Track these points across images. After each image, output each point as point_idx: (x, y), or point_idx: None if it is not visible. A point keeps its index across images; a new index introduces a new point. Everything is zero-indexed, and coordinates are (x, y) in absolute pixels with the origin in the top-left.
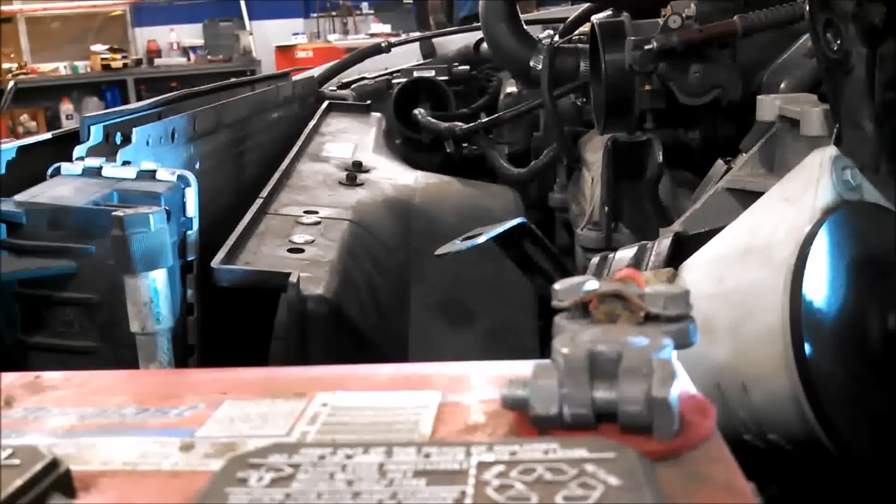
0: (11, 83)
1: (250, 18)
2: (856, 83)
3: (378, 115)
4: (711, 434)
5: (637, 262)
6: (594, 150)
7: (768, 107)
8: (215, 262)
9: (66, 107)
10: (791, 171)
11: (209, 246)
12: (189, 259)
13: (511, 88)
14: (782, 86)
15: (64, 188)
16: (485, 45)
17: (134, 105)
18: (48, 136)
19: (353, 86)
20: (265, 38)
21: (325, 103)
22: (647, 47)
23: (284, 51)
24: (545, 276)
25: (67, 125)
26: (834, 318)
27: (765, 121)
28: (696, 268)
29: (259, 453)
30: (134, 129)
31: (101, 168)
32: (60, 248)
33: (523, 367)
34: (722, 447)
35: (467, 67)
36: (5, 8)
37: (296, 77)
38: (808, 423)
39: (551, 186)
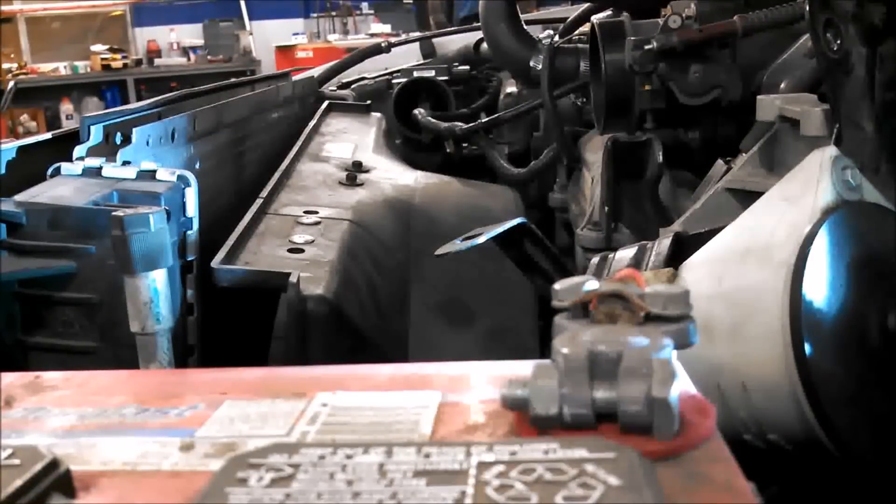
0: (11, 83)
1: (250, 18)
2: (856, 83)
3: (378, 115)
4: (711, 434)
5: (637, 262)
6: (594, 150)
7: (768, 107)
8: (215, 262)
9: (66, 107)
10: (791, 171)
11: (209, 246)
12: (189, 259)
13: (511, 88)
14: (782, 86)
15: (64, 188)
16: (485, 45)
17: (134, 105)
18: (48, 136)
19: (353, 86)
20: (265, 38)
21: (325, 103)
22: (647, 47)
23: (284, 51)
24: (545, 276)
25: (67, 125)
26: (834, 318)
27: (765, 121)
28: (696, 268)
29: (259, 453)
30: (134, 129)
31: (101, 168)
32: (60, 248)
33: (523, 367)
34: (722, 447)
35: (467, 67)
36: (5, 8)
37: (296, 77)
38: (808, 423)
39: (551, 186)
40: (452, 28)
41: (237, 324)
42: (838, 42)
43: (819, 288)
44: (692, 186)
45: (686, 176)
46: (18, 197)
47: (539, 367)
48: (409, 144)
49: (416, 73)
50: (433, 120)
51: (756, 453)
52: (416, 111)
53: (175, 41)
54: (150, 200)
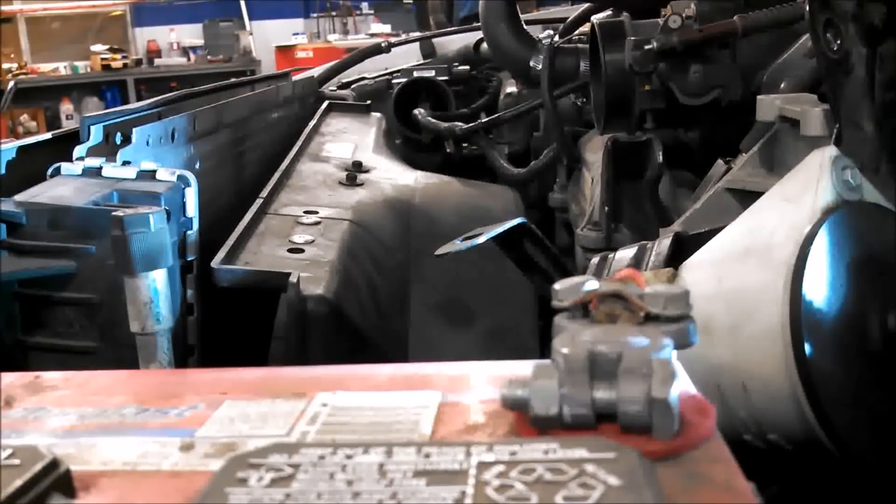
0: (11, 83)
1: (250, 18)
2: (856, 83)
3: (378, 115)
4: (711, 434)
5: (637, 262)
6: (594, 150)
7: (768, 107)
8: (215, 262)
9: (66, 107)
10: (791, 171)
11: (209, 246)
12: (189, 259)
13: (511, 88)
14: (782, 86)
15: (64, 188)
16: (485, 45)
17: (134, 105)
18: (48, 136)
19: (353, 86)
20: (265, 38)
21: (325, 103)
22: (647, 47)
23: (284, 51)
24: (545, 276)
25: (67, 125)
26: (834, 318)
27: (765, 121)
28: (696, 268)
29: (259, 453)
30: (134, 129)
31: (101, 168)
32: (60, 248)
33: (523, 367)
34: (722, 447)
35: (467, 67)
36: (5, 8)
37: (296, 77)
38: (808, 423)
39: (551, 186)
40: (452, 28)
41: (237, 324)
42: (838, 42)
43: (819, 288)
44: (692, 186)
45: (686, 176)
46: (18, 197)
47: (539, 367)
48: (409, 144)
49: (416, 73)
50: (433, 120)
51: (756, 453)
52: (416, 111)
53: (175, 41)
54: (150, 200)
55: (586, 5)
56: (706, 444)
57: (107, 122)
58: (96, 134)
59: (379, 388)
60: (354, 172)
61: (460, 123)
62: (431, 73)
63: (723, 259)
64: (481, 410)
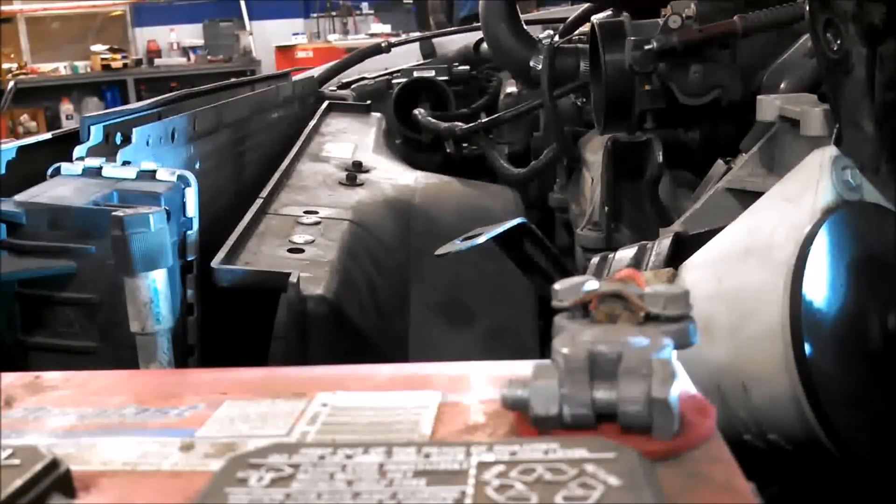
0: (11, 83)
1: (250, 18)
2: (856, 83)
3: (378, 115)
4: (711, 434)
5: (637, 262)
6: (594, 150)
7: (768, 107)
8: (215, 262)
9: (66, 107)
10: (791, 171)
11: (209, 246)
12: (189, 259)
13: (511, 88)
14: (782, 86)
15: (64, 188)
16: (485, 45)
17: (134, 105)
18: (48, 136)
19: (353, 86)
20: (265, 38)
21: (325, 103)
22: (647, 47)
23: (284, 51)
24: (545, 276)
25: (67, 125)
26: (834, 318)
27: (765, 121)
28: (696, 268)
29: (259, 453)
30: (134, 129)
31: (101, 168)
32: (60, 248)
33: (523, 367)
34: (722, 447)
35: (467, 67)
36: (5, 8)
37: (296, 77)
38: (808, 423)
39: (551, 186)
40: (452, 28)
41: (237, 324)
42: (838, 42)
43: (819, 288)
44: (692, 186)
45: (686, 176)
46: (18, 197)
47: (539, 367)
48: (409, 144)
49: (416, 73)
50: (433, 120)
51: (756, 453)
52: (416, 111)
53: (175, 41)
54: (150, 200)
55: (586, 5)
56: (706, 444)
57: (107, 122)
58: (96, 134)
59: (379, 388)
60: (354, 172)
61: (460, 123)
62: (431, 73)
63: (723, 259)
64: (481, 410)
